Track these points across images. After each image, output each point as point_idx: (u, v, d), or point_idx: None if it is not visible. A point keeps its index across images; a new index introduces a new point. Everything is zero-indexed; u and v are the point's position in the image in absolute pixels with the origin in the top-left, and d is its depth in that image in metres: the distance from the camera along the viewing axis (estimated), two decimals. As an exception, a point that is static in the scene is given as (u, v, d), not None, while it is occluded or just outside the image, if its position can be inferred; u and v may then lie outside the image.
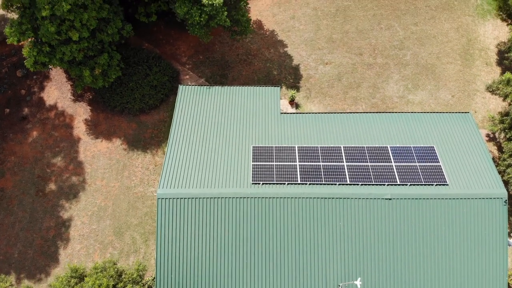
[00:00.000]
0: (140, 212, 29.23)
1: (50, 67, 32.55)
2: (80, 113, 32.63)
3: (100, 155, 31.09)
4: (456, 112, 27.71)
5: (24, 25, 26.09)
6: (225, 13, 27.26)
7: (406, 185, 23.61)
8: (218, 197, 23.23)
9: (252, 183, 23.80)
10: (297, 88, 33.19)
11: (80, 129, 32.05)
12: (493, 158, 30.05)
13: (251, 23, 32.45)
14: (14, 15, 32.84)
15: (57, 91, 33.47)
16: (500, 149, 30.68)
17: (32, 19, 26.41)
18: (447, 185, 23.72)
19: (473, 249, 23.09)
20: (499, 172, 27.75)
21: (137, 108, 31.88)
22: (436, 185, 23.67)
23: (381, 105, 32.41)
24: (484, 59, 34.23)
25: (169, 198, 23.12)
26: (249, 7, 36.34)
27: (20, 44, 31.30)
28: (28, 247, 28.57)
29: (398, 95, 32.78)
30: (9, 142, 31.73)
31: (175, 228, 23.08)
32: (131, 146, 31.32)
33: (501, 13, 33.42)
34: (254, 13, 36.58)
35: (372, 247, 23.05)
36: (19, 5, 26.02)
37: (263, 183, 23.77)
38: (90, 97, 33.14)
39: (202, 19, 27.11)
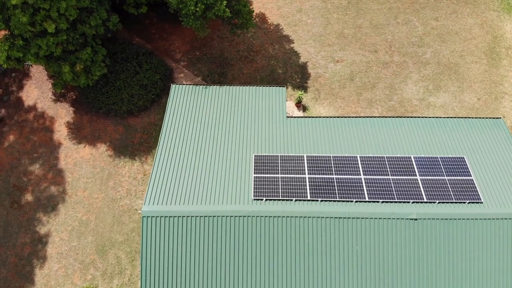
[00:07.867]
0: (126, 227, 25.83)
1: (29, 63, 29.11)
2: (62, 115, 29.22)
3: (82, 162, 27.69)
4: (486, 118, 24.34)
5: (-6, 15, 22.71)
6: (224, 2, 23.83)
7: (434, 202, 20.21)
8: (213, 216, 19.83)
9: (254, 199, 20.38)
10: (305, 89, 29.76)
11: (61, 133, 28.64)
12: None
13: (254, 16, 29.04)
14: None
15: (37, 90, 30.07)
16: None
17: (4, 9, 23.01)
18: (482, 203, 20.36)
19: (510, 276, 19.72)
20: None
21: (124, 110, 28.45)
22: (469, 203, 20.28)
23: (399, 108, 28.93)
24: (511, 59, 30.84)
25: (156, 216, 19.75)
26: (251, -1, 33.03)
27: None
28: (1, 265, 25.25)
29: (418, 98, 29.29)
30: (-18, 147, 28.39)
31: (163, 250, 19.67)
32: (117, 152, 27.89)
33: None
34: (257, 5, 33.15)
35: (394, 274, 19.63)
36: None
37: (266, 199, 20.35)
38: (73, 97, 29.72)
39: (198, 9, 23.70)
